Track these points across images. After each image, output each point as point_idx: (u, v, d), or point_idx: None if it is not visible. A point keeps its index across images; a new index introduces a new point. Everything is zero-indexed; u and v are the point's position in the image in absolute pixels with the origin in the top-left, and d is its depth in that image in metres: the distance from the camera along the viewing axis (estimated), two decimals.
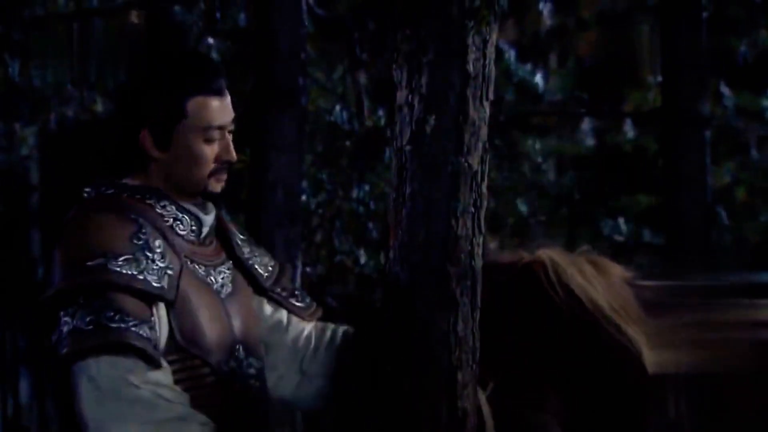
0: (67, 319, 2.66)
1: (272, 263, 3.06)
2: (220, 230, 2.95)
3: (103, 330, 2.64)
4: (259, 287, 3.00)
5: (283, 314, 3.04)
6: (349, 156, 8.84)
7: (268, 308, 3.03)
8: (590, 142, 11.44)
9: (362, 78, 9.08)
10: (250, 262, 2.99)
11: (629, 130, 11.24)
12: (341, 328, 3.12)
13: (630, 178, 10.72)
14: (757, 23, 10.70)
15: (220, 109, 2.83)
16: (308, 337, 3.06)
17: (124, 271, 2.68)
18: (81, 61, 9.33)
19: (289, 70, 6.33)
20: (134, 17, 9.06)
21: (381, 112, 8.92)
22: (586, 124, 11.48)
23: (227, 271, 2.91)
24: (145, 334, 2.66)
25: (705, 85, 8.73)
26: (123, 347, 2.63)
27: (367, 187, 8.79)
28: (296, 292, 3.10)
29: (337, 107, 8.89)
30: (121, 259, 2.69)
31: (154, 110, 2.79)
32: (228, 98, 2.85)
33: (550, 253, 3.03)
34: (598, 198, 10.61)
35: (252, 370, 2.87)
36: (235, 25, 8.96)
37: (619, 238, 10.03)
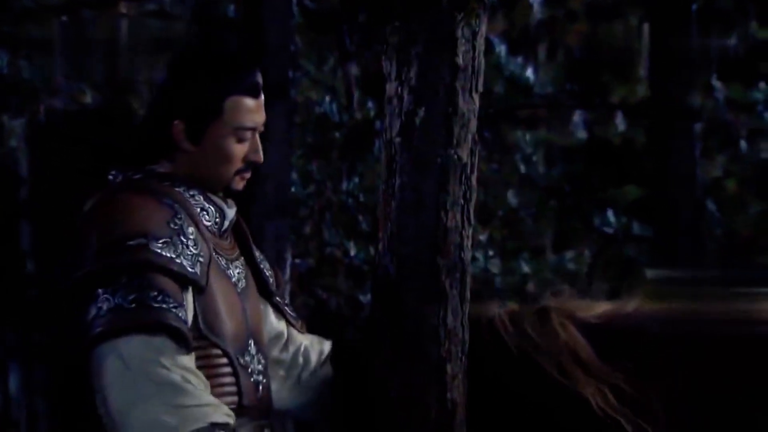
0: (107, 296, 2.65)
1: (270, 270, 3.08)
2: (235, 226, 2.97)
3: (146, 309, 2.64)
4: (266, 292, 3.03)
5: (283, 326, 3.08)
6: (339, 148, 8.83)
7: (272, 316, 3.06)
8: (580, 134, 11.44)
9: (352, 70, 9.06)
10: (261, 266, 3.03)
11: (619, 122, 11.25)
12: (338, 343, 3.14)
13: (620, 171, 10.72)
14: (747, 15, 10.70)
15: (255, 110, 2.86)
16: (306, 352, 3.09)
17: (164, 254, 2.69)
18: (70, 53, 9.31)
19: (279, 62, 6.32)
20: (123, 9, 9.05)
21: (371, 104, 8.91)
22: (576, 117, 11.48)
23: (241, 267, 2.93)
24: (183, 317, 2.68)
25: (695, 77, 8.73)
26: (164, 328, 2.64)
27: (356, 180, 8.78)
28: (287, 302, 3.14)
29: (327, 99, 8.88)
30: (160, 241, 2.70)
31: (191, 104, 2.81)
32: (262, 99, 2.87)
33: (492, 310, 3.03)
34: (588, 190, 10.62)
35: (260, 366, 2.88)
36: (225, 16, 8.93)
37: (608, 230, 10.04)
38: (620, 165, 10.74)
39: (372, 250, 8.51)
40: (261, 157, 2.89)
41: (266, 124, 2.91)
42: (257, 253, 3.03)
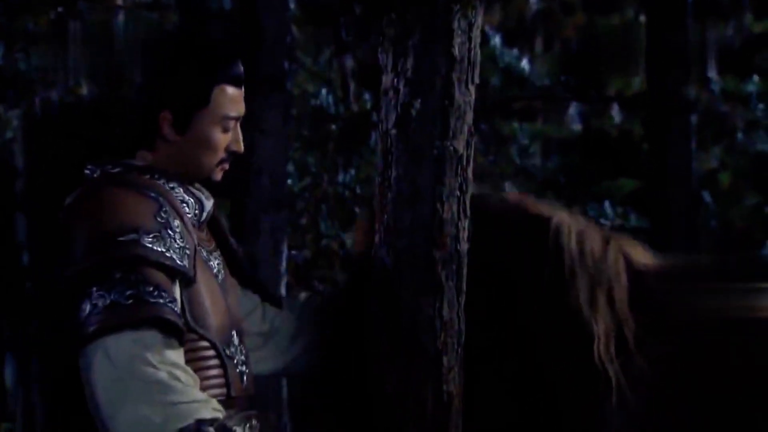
0: (101, 293, 2.63)
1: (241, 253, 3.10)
2: (211, 218, 2.98)
3: (143, 304, 2.63)
4: (242, 276, 3.05)
5: (258, 302, 3.10)
6: (335, 140, 8.82)
7: (246, 298, 3.08)
8: (576, 126, 11.44)
9: (348, 62, 9.06)
10: (238, 254, 3.04)
11: (615, 114, 11.25)
12: (321, 299, 3.18)
13: (615, 163, 10.73)
14: (742, 8, 10.71)
15: (238, 100, 2.88)
16: (283, 316, 3.12)
17: (156, 248, 2.69)
18: (66, 44, 9.30)
19: (275, 55, 6.31)
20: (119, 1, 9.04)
21: (367, 96, 8.91)
22: (572, 109, 11.48)
23: (219, 258, 2.95)
24: (177, 311, 2.68)
25: (691, 69, 8.73)
26: (160, 322, 2.63)
27: (353, 171, 8.78)
28: (262, 283, 3.17)
29: (323, 91, 8.88)
30: (150, 235, 2.70)
31: (179, 93, 2.82)
32: (243, 90, 2.89)
33: (564, 216, 3.05)
34: (584, 182, 10.62)
35: (243, 357, 2.89)
36: (221, 9, 8.93)
37: (604, 222, 10.04)
38: (616, 157, 10.74)
39: None
40: (242, 147, 2.91)
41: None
42: (232, 241, 3.05)
